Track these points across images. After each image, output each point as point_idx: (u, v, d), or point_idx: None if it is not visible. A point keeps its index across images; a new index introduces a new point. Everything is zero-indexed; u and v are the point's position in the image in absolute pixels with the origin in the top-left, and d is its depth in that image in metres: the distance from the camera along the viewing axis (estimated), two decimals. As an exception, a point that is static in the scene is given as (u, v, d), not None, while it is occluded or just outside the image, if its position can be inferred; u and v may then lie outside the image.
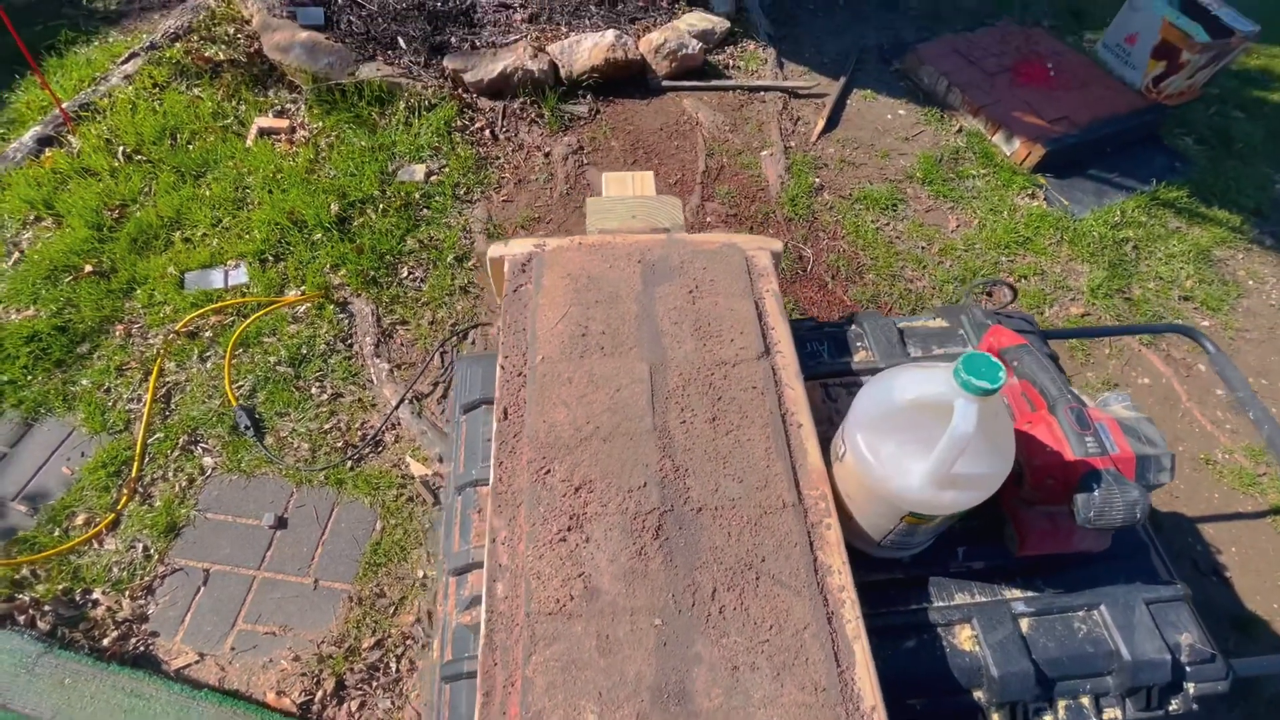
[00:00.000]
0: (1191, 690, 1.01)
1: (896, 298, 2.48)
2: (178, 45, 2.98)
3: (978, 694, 0.99)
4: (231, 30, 3.05)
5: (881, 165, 2.94)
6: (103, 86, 2.81)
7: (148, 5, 3.29)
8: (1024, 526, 1.02)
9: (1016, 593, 1.05)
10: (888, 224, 2.73)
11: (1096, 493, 0.89)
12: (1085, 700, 1.00)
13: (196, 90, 2.86)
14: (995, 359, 0.76)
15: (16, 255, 2.36)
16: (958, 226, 2.75)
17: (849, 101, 3.19)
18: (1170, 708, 1.01)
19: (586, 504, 0.92)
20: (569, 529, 0.90)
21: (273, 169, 2.60)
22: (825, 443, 1.03)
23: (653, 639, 0.82)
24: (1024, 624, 1.01)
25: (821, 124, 3.04)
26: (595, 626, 0.83)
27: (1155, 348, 2.47)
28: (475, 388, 1.25)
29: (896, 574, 1.07)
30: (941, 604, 1.03)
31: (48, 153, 2.60)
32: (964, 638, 1.00)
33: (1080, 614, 1.03)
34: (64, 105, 2.66)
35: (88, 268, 2.31)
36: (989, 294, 2.54)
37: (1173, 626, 1.02)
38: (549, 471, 0.95)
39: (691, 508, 0.92)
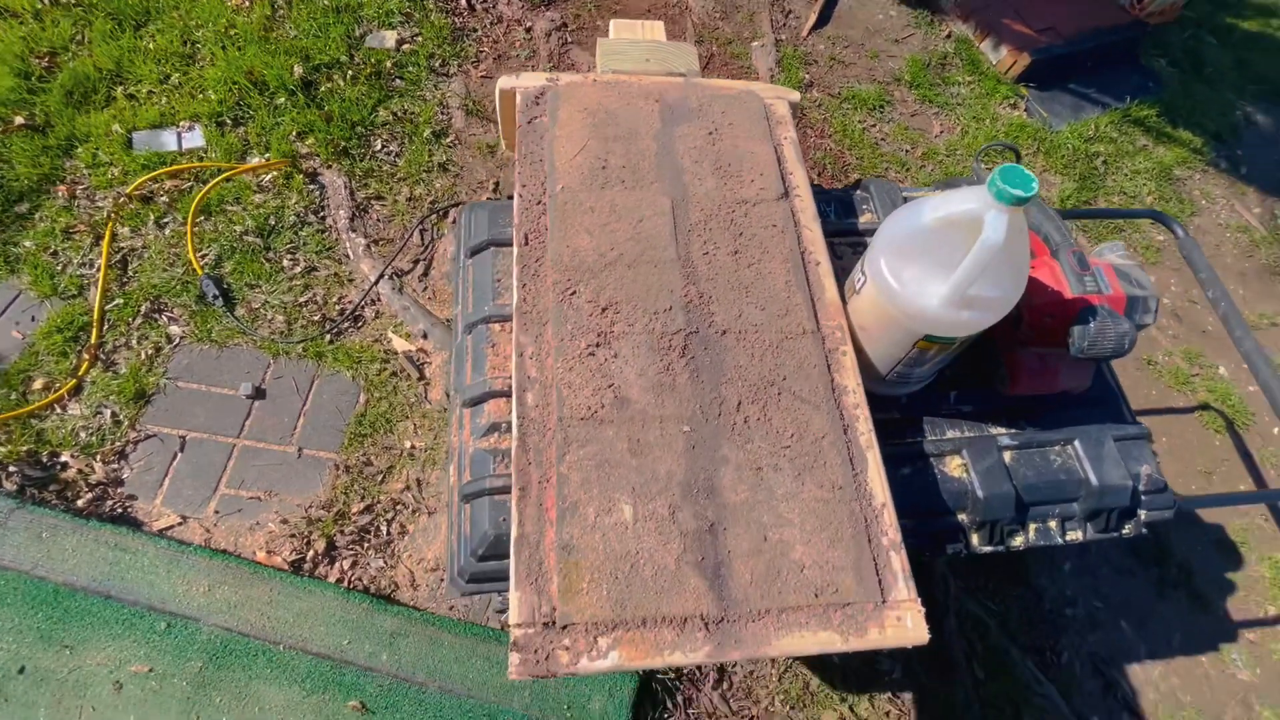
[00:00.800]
0: (1143, 516, 1.13)
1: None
2: (100, -127, 2.60)
3: (961, 516, 1.08)
4: None
5: (870, 66, 2.89)
6: (14, -86, 2.44)
7: None
8: (1016, 366, 1.08)
9: (1001, 430, 1.13)
10: (874, 125, 2.71)
11: (1092, 324, 0.95)
12: (1053, 523, 1.11)
13: (128, -72, 2.53)
14: (1028, 173, 0.79)
15: (-70, 102, 2.10)
16: (941, 132, 2.76)
17: (841, -2, 3.09)
18: (1124, 531, 1.13)
19: (613, 323, 0.92)
20: (597, 345, 0.91)
21: (224, 23, 2.36)
22: (840, 283, 1.05)
23: (681, 443, 0.85)
24: (1008, 456, 1.10)
25: (813, 19, 2.94)
26: (626, 431, 0.85)
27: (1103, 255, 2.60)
28: (482, 230, 1.22)
29: (894, 413, 1.13)
30: (934, 438, 1.10)
31: (-45, -13, 2.28)
32: (954, 466, 1.08)
33: (1057, 448, 1.12)
34: (-31, -69, 2.31)
35: (18, 119, 2.08)
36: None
37: (1135, 459, 1.12)
38: (574, 293, 0.94)
39: (716, 330, 0.94)
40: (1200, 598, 2.00)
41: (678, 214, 1.03)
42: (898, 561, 0.82)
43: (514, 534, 0.78)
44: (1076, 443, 1.11)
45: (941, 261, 0.87)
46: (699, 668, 1.65)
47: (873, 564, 0.81)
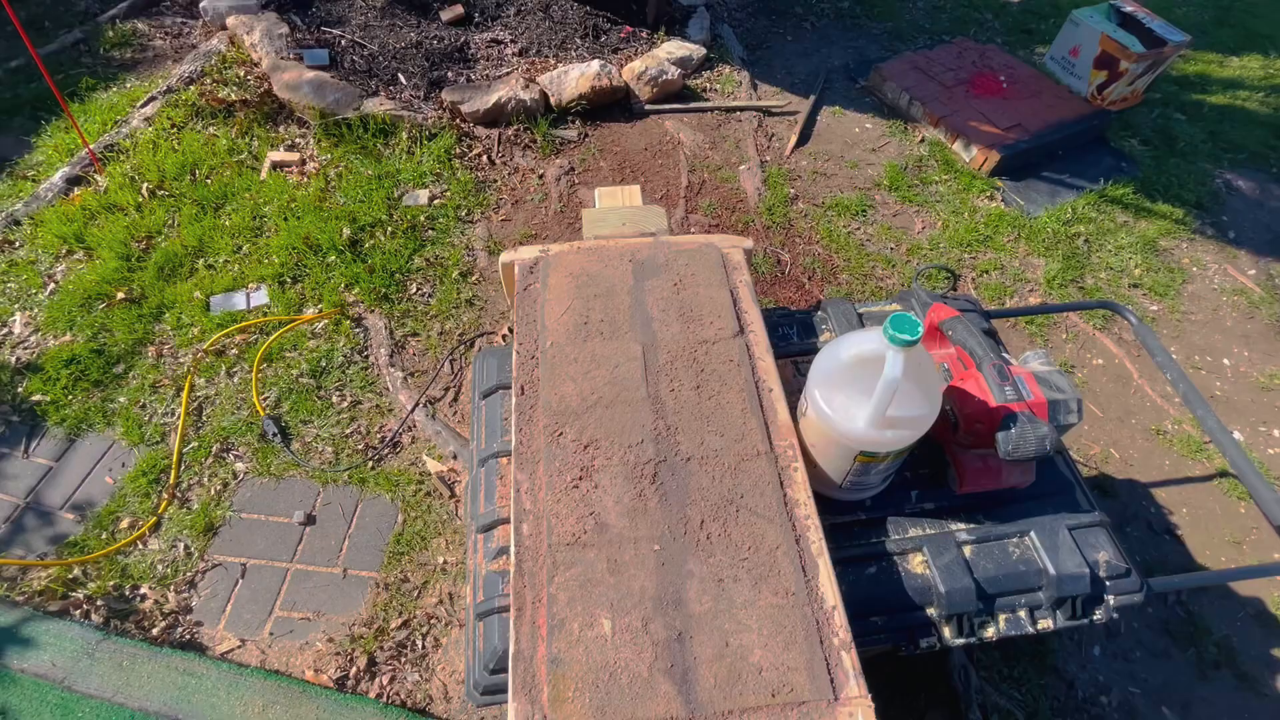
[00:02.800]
0: (1111, 601, 1.19)
1: (869, 294, 2.69)
2: (192, 88, 3.20)
3: (930, 610, 1.17)
4: (242, 73, 3.27)
5: (851, 175, 3.17)
6: (124, 129, 3.02)
7: (161, 53, 3.52)
8: (962, 467, 1.21)
9: (960, 525, 1.23)
10: (858, 228, 2.95)
11: (1013, 430, 1.08)
12: (1022, 613, 1.18)
13: (212, 129, 3.07)
14: (915, 319, 0.96)
15: (52, 286, 2.54)
16: (923, 228, 2.97)
17: (819, 118, 3.43)
18: (1094, 617, 1.19)
19: (594, 458, 1.10)
20: (580, 478, 1.08)
21: (287, 199, 2.80)
22: (794, 407, 1.22)
23: (653, 560, 1.00)
24: (967, 550, 1.20)
25: (794, 139, 3.27)
26: (606, 553, 1.01)
27: (1108, 331, 2.69)
28: (492, 376, 1.44)
29: (859, 515, 1.25)
30: (897, 537, 1.22)
31: (76, 191, 2.80)
32: (916, 563, 1.19)
33: (1014, 540, 1.21)
34: (90, 146, 2.86)
35: (119, 295, 2.49)
36: (952, 283, 2.76)
37: (1091, 547, 1.20)
38: (561, 434, 1.13)
39: (681, 458, 1.11)
40: (1247, 678, 1.93)
41: (648, 358, 1.23)
42: (848, 660, 0.93)
43: (511, 650, 0.93)
44: (1032, 534, 1.21)
45: (862, 390, 1.03)
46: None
47: (824, 664, 0.92)
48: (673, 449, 1.12)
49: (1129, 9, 3.34)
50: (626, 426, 1.14)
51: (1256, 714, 1.87)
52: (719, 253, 1.42)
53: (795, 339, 1.50)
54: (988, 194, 3.09)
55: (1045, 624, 1.18)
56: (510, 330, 2.51)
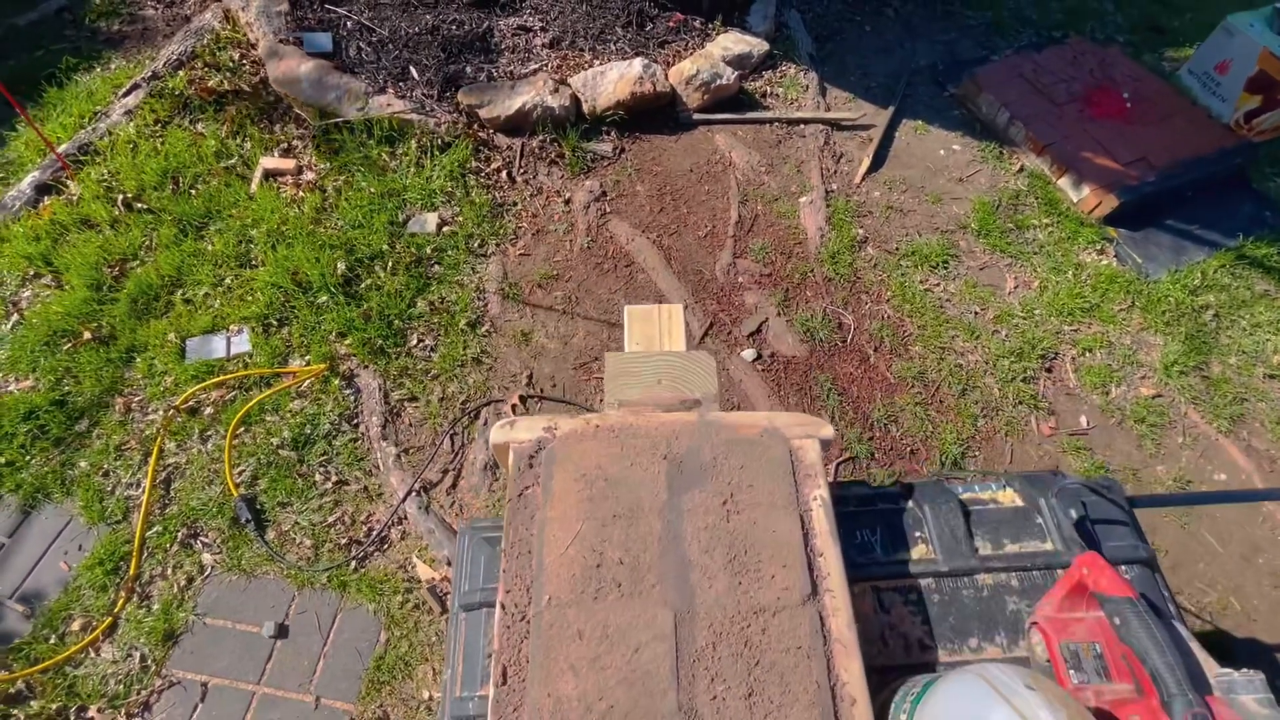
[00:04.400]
0: None
1: (945, 375, 2.27)
2: (181, 74, 2.82)
3: None
4: (236, 56, 2.88)
5: (932, 212, 2.68)
6: (103, 124, 2.67)
7: (151, 26, 3.13)
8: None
9: None
10: (937, 284, 2.49)
11: (1227, 847, 0.71)
12: None
13: (200, 125, 2.71)
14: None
15: (16, 317, 2.26)
16: (1015, 288, 2.50)
17: (898, 135, 2.91)
18: None
19: (596, 822, 0.77)
20: None
21: (277, 220, 2.45)
22: (874, 675, 0.86)
23: None
24: None
25: (867, 162, 2.78)
26: None
27: (1235, 436, 2.23)
28: (478, 578, 1.11)
29: None
30: None
31: (46, 201, 2.49)
32: None
33: None
34: (63, 149, 2.53)
35: (86, 334, 2.20)
36: (1049, 369, 2.31)
37: None
38: (553, 771, 0.80)
39: (722, 831, 0.76)
40: None
41: (681, 636, 0.88)
42: None
43: None
44: None
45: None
46: None
47: None
48: (710, 810, 0.78)
49: (1300, 15, 2.70)
50: (646, 766, 0.80)
51: None
52: (787, 449, 1.04)
53: (877, 551, 1.13)
54: (1097, 247, 2.59)
55: None
56: (522, 400, 2.17)
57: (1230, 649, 1.89)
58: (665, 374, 1.16)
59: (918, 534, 1.14)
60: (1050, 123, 2.80)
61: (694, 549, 0.94)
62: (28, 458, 2.01)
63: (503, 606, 0.92)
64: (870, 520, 1.16)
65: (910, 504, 1.18)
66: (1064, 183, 2.71)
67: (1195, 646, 0.93)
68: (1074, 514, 1.13)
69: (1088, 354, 2.35)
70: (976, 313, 2.43)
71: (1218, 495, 1.27)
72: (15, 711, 1.65)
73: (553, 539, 0.95)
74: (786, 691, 0.84)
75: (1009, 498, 1.20)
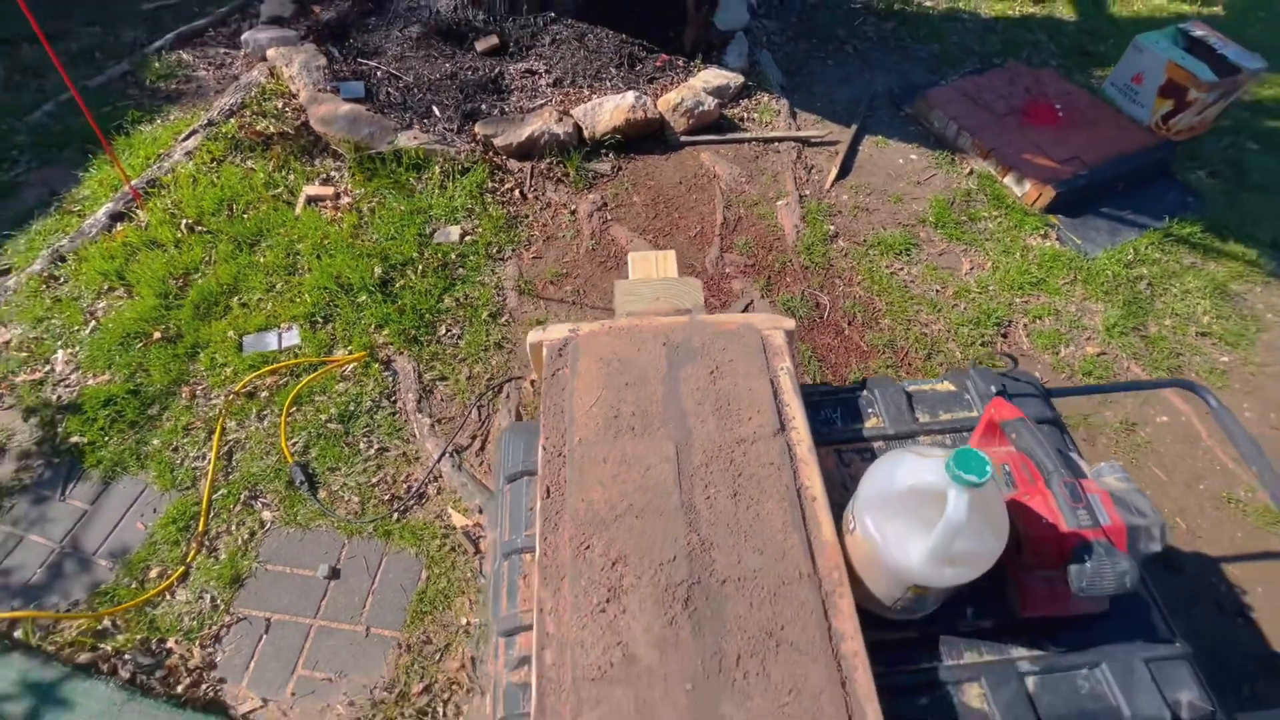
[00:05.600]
0: (1194, 748, 1.07)
1: (912, 342, 2.56)
2: (232, 121, 3.24)
3: (988, 750, 1.06)
4: (280, 104, 3.30)
5: (894, 210, 3.04)
6: (166, 163, 3.07)
7: (204, 84, 3.58)
8: (1025, 590, 1.10)
9: (1022, 651, 1.12)
10: (902, 268, 2.82)
11: (1088, 564, 0.97)
12: (1092, 756, 1.07)
13: (250, 162, 3.11)
14: (983, 456, 0.86)
15: (93, 324, 2.58)
16: (971, 269, 2.83)
17: (861, 148, 3.31)
18: (1174, 763, 1.07)
19: (623, 577, 1.03)
20: (608, 600, 1.01)
21: (320, 235, 2.80)
22: (838, 508, 1.13)
23: (684, 702, 0.92)
24: (1030, 682, 1.09)
25: (835, 172, 3.16)
26: (633, 691, 0.93)
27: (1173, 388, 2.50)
28: (518, 459, 1.38)
29: (910, 633, 1.15)
30: (951, 663, 1.11)
31: (119, 227, 2.85)
32: (973, 695, 1.08)
33: (1083, 672, 1.10)
34: (133, 183, 2.91)
35: (156, 334, 2.52)
36: (1003, 335, 2.61)
37: (1172, 685, 1.08)
38: (588, 546, 1.06)
39: (717, 579, 1.02)
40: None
41: (682, 459, 1.15)
42: (901, 834, 0.84)
43: (531, 805, 0.86)
44: (1104, 666, 1.09)
45: (920, 523, 0.93)
46: None
47: (875, 837, 0.83)
48: (707, 568, 1.04)
49: (1199, 33, 3.14)
50: (658, 540, 1.06)
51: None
52: (759, 336, 1.33)
53: (838, 423, 1.40)
54: (1041, 232, 2.93)
55: (1118, 769, 1.07)
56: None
57: (1178, 561, 2.11)
58: (662, 293, 1.46)
59: (870, 410, 1.42)
60: (993, 131, 3.20)
61: (689, 403, 1.22)
62: (106, 438, 2.29)
63: (544, 448, 1.20)
64: (833, 404, 1.44)
65: (865, 392, 1.46)
66: (1008, 180, 3.08)
67: (1077, 457, 1.20)
68: (994, 389, 1.41)
69: (1038, 321, 2.65)
70: (938, 290, 2.74)
71: (1114, 386, 1.55)
72: (104, 645, 1.87)
73: (580, 400, 1.23)
74: (763, 492, 1.11)
75: (944, 387, 1.48)
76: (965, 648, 1.14)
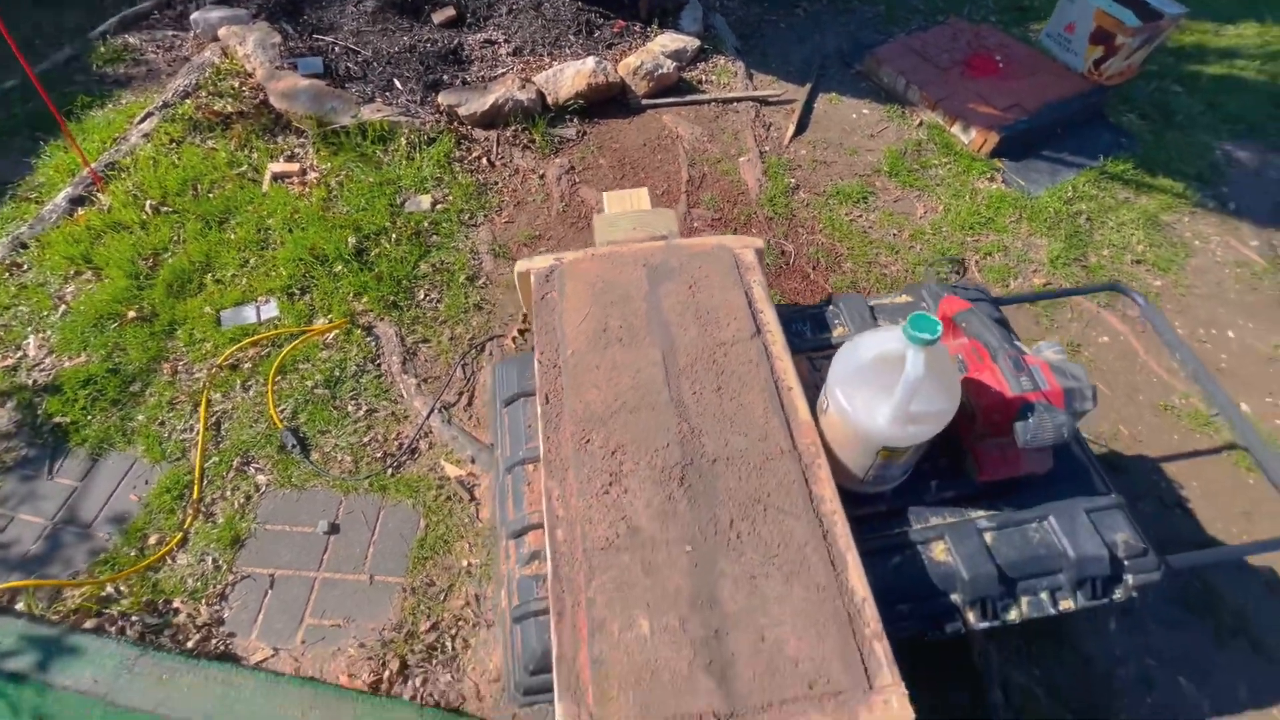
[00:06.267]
0: (1130, 580, 1.22)
1: (873, 282, 2.71)
2: (188, 102, 3.19)
3: (954, 596, 1.20)
4: (236, 84, 3.27)
5: (851, 162, 3.18)
6: (124, 146, 3.02)
7: (154, 68, 3.51)
8: (980, 456, 1.23)
9: (980, 512, 1.26)
10: (860, 215, 2.96)
11: (1031, 420, 1.11)
12: (1044, 595, 1.22)
13: (211, 142, 3.07)
14: (934, 318, 0.98)
15: (62, 308, 2.55)
16: (925, 213, 2.98)
17: (816, 105, 3.43)
18: (1115, 596, 1.22)
19: (622, 463, 1.13)
20: (610, 484, 1.11)
21: (290, 210, 2.81)
22: (813, 402, 1.24)
23: (685, 561, 1.03)
24: (987, 536, 1.23)
25: (792, 128, 3.27)
26: (639, 556, 1.04)
27: (1112, 309, 2.71)
28: (513, 384, 1.46)
29: (881, 506, 1.28)
30: (919, 526, 1.25)
31: (80, 211, 2.80)
32: (939, 551, 1.22)
33: (1033, 525, 1.24)
34: (92, 166, 2.86)
35: (130, 313, 2.50)
36: (959, 271, 2.77)
37: (1109, 529, 1.23)
38: (589, 440, 1.16)
39: (707, 459, 1.13)
40: (1262, 646, 1.97)
41: (668, 362, 1.25)
42: (880, 650, 0.96)
43: (554, 654, 0.96)
44: (1051, 518, 1.24)
45: (883, 388, 1.05)
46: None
47: (858, 654, 0.95)
48: (698, 451, 1.14)
49: (1123, -17, 3.32)
50: (652, 430, 1.16)
51: (1272, 679, 1.91)
52: (731, 254, 1.43)
53: (809, 335, 1.52)
54: (988, 176, 3.10)
55: (1066, 605, 1.21)
56: (520, 333, 2.54)
57: (1123, 464, 2.31)
58: (638, 223, 1.55)
59: (836, 322, 1.54)
60: (939, 84, 3.35)
61: (671, 315, 1.32)
62: (89, 416, 2.28)
63: (539, 361, 1.28)
64: (802, 319, 1.56)
65: (831, 307, 1.58)
66: (955, 129, 3.24)
67: (1021, 345, 1.34)
68: (945, 292, 1.54)
69: (988, 257, 2.82)
70: (895, 234, 2.89)
71: (1053, 293, 1.70)
72: (109, 610, 1.90)
73: (569, 319, 1.32)
74: (744, 385, 1.22)
75: (903, 299, 1.61)
76: (930, 514, 1.27)
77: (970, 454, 1.26)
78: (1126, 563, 1.22)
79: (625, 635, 0.97)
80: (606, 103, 3.26)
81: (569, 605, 1.00)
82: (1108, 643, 1.96)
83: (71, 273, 2.65)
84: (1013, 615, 1.20)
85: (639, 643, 0.96)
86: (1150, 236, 2.92)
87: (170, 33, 3.67)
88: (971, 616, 1.19)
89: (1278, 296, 2.77)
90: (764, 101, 3.41)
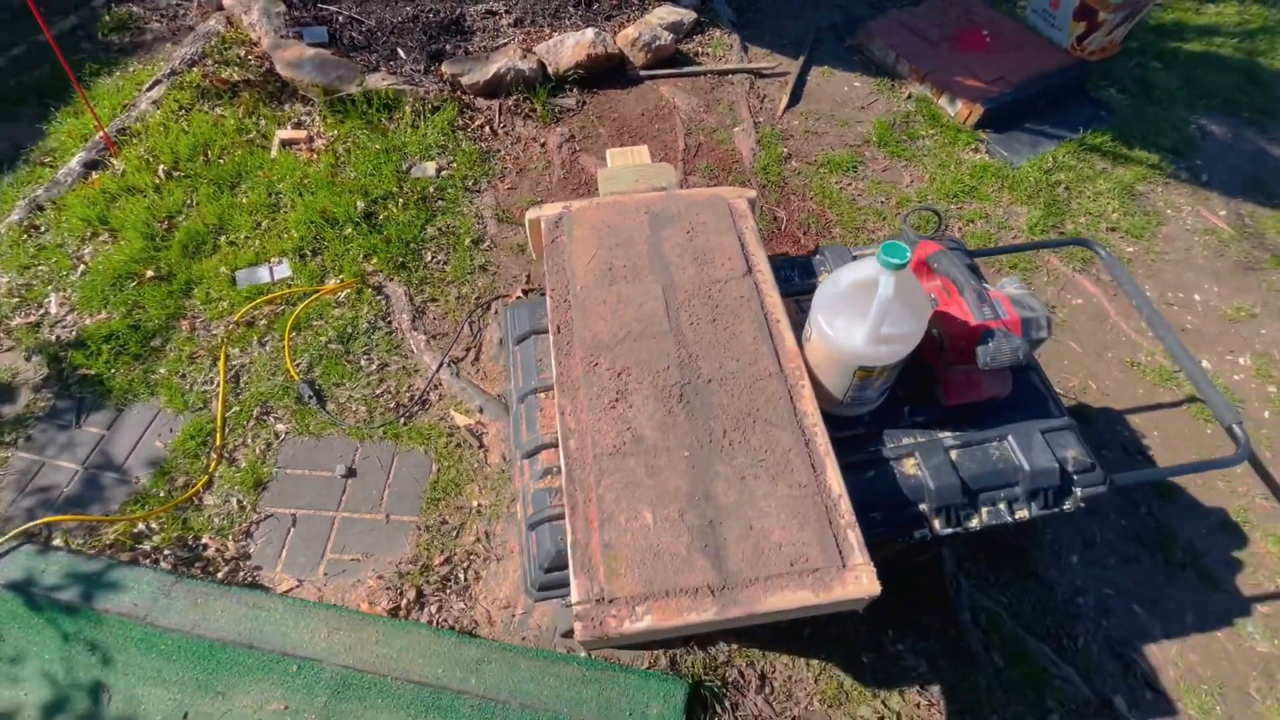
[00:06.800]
0: (1079, 492, 1.37)
1: (861, 245, 2.83)
2: (195, 70, 3.26)
3: (922, 505, 1.35)
4: (242, 53, 3.33)
5: (841, 133, 3.29)
6: (134, 112, 3.09)
7: (159, 36, 3.56)
8: (948, 382, 1.37)
9: (947, 433, 1.40)
10: (850, 184, 3.08)
11: (991, 343, 1.25)
12: (1002, 505, 1.36)
13: (219, 110, 3.15)
14: (904, 246, 1.11)
15: (81, 268, 2.65)
16: (911, 182, 3.10)
17: (809, 78, 3.53)
18: (1065, 506, 1.37)
19: (627, 383, 1.26)
20: (616, 400, 1.24)
21: (299, 175, 2.90)
22: (799, 337, 1.38)
23: (684, 464, 1.17)
24: (953, 453, 1.37)
25: (785, 100, 3.38)
26: (643, 460, 1.17)
27: (1086, 272, 2.85)
28: (524, 324, 1.59)
29: (860, 429, 1.42)
30: (892, 445, 1.39)
31: (94, 175, 2.89)
32: (909, 466, 1.36)
33: (993, 443, 1.39)
34: (105, 130, 2.94)
35: (149, 273, 2.60)
36: (938, 224, 2.90)
37: (1061, 446, 1.38)
38: (597, 364, 1.29)
39: (703, 380, 1.27)
40: (1210, 577, 2.14)
41: (668, 296, 1.38)
42: (853, 537, 1.11)
43: (569, 540, 1.10)
44: (1010, 437, 1.38)
45: (860, 312, 1.18)
46: (742, 674, 1.89)
47: (834, 540, 1.10)
48: (695, 373, 1.27)
49: (1107, -40, 3.42)
50: (654, 355, 1.29)
51: (1217, 605, 2.09)
52: (726, 203, 1.56)
53: (796, 280, 1.65)
54: (973, 147, 3.22)
55: (1022, 514, 1.36)
56: (524, 293, 2.65)
57: (1091, 416, 2.46)
58: (640, 176, 1.67)
59: (822, 269, 1.67)
60: (928, 57, 3.45)
61: (671, 255, 1.45)
62: (113, 370, 2.40)
63: (551, 297, 1.41)
64: (790, 266, 1.68)
65: (817, 255, 1.71)
66: (942, 101, 3.35)
67: (988, 285, 1.48)
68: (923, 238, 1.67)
69: (971, 224, 2.95)
70: (883, 201, 3.02)
71: (1023, 246, 1.83)
72: (142, 545, 2.03)
73: (577, 259, 1.45)
74: (737, 317, 1.35)
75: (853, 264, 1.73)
76: (903, 435, 1.41)
77: (939, 381, 1.40)
78: (1075, 476, 1.36)
79: (631, 524, 1.11)
80: (606, 73, 3.35)
81: (581, 501, 1.14)
82: (1070, 574, 2.13)
83: (89, 234, 2.74)
84: (974, 523, 1.35)
85: (643, 530, 1.10)
86: (1125, 205, 3.06)
87: (174, 2, 3.72)
88: (938, 524, 1.34)
89: (1243, 262, 2.92)
90: (759, 74, 3.50)
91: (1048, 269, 2.85)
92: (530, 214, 1.55)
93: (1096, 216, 3.01)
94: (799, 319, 1.57)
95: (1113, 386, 2.55)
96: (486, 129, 3.16)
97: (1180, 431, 2.44)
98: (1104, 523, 2.23)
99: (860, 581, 1.06)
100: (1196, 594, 2.11)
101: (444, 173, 2.99)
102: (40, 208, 2.79)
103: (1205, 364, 2.62)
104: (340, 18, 3.38)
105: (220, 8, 3.51)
